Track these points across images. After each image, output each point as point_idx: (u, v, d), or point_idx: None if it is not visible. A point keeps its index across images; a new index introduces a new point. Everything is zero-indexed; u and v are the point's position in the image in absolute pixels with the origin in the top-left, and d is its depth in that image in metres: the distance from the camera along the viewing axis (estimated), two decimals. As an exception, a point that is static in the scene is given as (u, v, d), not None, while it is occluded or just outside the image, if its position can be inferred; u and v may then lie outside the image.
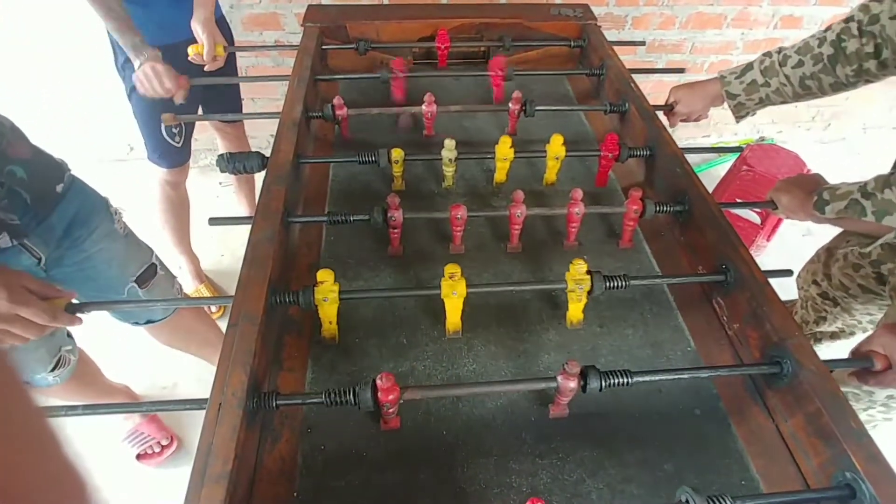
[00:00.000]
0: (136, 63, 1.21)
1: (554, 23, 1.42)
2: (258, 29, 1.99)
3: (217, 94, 1.62)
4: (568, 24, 1.42)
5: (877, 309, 1.19)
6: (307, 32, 1.34)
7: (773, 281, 0.78)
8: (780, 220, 2.00)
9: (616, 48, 1.32)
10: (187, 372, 1.62)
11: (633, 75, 1.22)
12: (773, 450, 0.71)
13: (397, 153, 0.99)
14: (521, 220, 0.92)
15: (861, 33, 0.90)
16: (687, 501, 0.58)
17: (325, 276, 0.76)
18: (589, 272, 0.80)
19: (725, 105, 1.12)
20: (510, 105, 1.14)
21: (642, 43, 1.56)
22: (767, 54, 1.04)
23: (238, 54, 1.71)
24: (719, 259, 0.84)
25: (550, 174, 1.08)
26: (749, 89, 1.06)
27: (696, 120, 1.23)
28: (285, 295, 0.77)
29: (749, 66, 1.06)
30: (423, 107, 1.11)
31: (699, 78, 2.41)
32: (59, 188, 0.96)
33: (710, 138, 2.73)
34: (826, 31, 0.95)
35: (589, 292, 0.81)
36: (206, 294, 1.90)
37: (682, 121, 1.23)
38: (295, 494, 0.67)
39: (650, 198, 0.94)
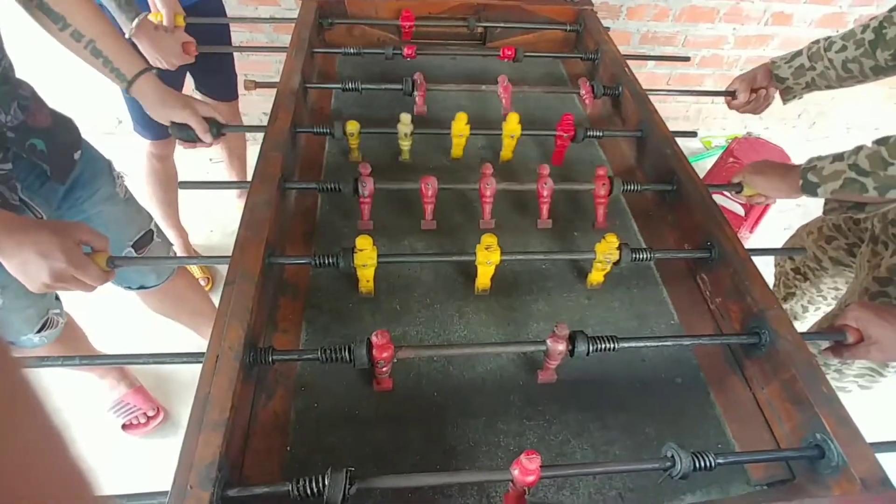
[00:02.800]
0: (127, 31, 1.16)
1: (551, 7, 1.43)
2: (254, 4, 1.97)
3: (210, 71, 1.60)
4: (565, 9, 1.43)
5: (843, 282, 1.25)
6: (305, 6, 1.33)
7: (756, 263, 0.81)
8: (763, 212, 2.05)
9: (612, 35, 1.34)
10: (177, 344, 1.62)
11: (634, 61, 1.24)
12: (748, 416, 0.74)
13: (352, 125, 1.00)
14: (492, 194, 0.94)
15: None
16: (672, 457, 0.61)
17: (364, 243, 0.77)
18: (619, 246, 0.83)
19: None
20: (500, 87, 1.15)
21: (607, 28, 1.57)
22: (816, 41, 1.09)
23: (232, 30, 1.70)
24: (705, 237, 0.87)
25: (507, 152, 1.10)
26: (797, 73, 1.10)
27: (766, 99, 1.24)
28: (325, 258, 0.78)
29: (798, 52, 1.11)
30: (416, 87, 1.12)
31: (690, 71, 2.44)
32: (76, 155, 0.96)
33: (699, 132, 2.78)
34: (871, 20, 1.00)
35: (616, 263, 0.84)
36: (196, 270, 1.89)
37: (752, 103, 1.24)
38: (288, 448, 0.69)
39: (640, 178, 0.97)
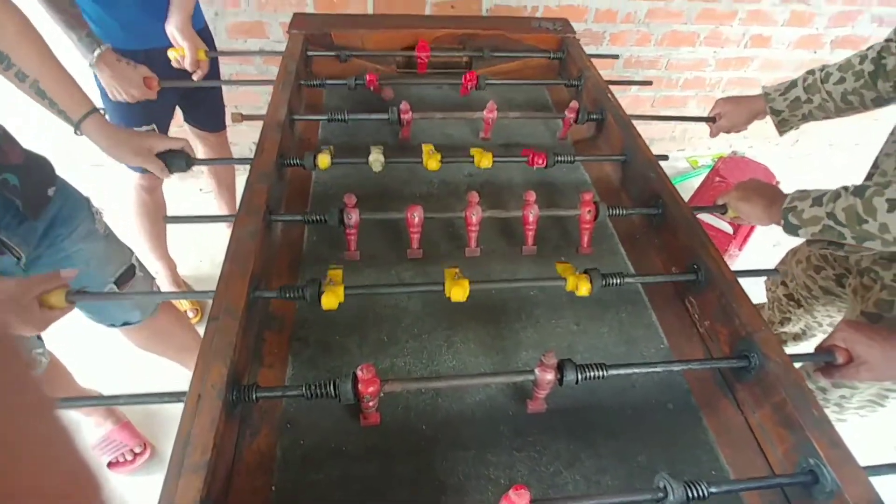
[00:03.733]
0: (88, 61, 1.16)
1: (534, 35, 1.46)
2: (243, 37, 2.00)
3: (198, 102, 1.62)
4: (548, 37, 1.46)
5: (836, 311, 1.24)
6: (292, 39, 1.35)
7: (743, 285, 0.81)
8: (751, 230, 2.07)
9: (594, 61, 1.36)
10: (162, 379, 1.59)
11: (615, 86, 1.26)
12: (741, 440, 0.73)
13: (324, 161, 1.00)
14: (478, 222, 0.94)
15: None
16: (664, 487, 0.60)
17: (328, 301, 0.77)
18: (586, 272, 0.83)
19: (768, 119, 1.17)
20: (485, 113, 1.17)
21: (616, 56, 1.62)
22: (811, 72, 1.09)
23: (221, 63, 1.72)
24: (691, 259, 0.87)
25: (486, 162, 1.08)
26: (793, 105, 1.11)
27: (737, 132, 1.27)
28: (292, 291, 0.77)
29: (793, 84, 1.11)
30: (401, 114, 1.13)
31: (674, 93, 2.49)
32: (50, 192, 0.96)
33: (684, 151, 2.82)
34: (867, 49, 1.01)
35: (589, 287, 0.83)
36: (185, 301, 1.87)
37: (724, 132, 1.27)
38: (273, 488, 0.67)
39: (625, 202, 0.97)
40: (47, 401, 0.25)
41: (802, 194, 0.86)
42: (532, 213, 0.95)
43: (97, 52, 1.15)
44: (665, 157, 1.07)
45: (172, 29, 1.27)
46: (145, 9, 1.29)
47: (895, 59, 0.96)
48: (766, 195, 0.94)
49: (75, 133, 0.93)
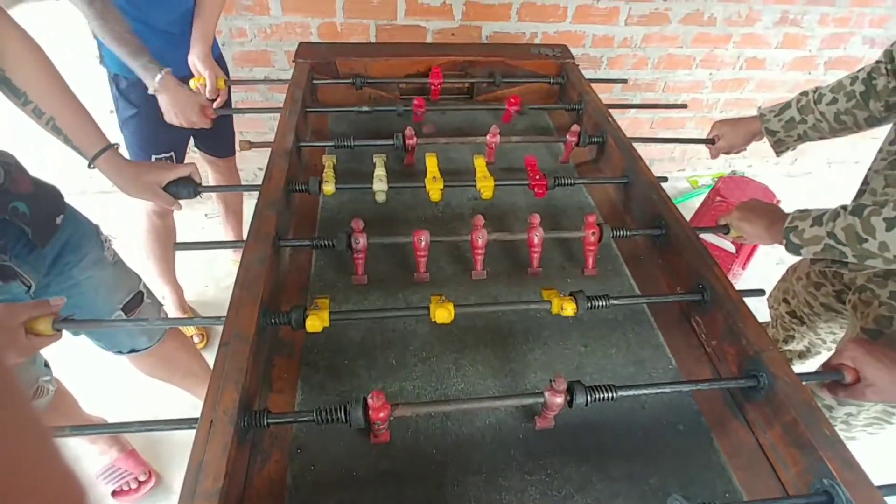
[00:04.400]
0: (151, 86, 1.21)
1: (534, 61, 1.49)
2: (248, 65, 2.05)
3: (212, 129, 1.65)
4: (547, 63, 1.49)
5: (839, 327, 1.24)
6: (298, 67, 1.39)
7: (748, 303, 0.82)
8: (754, 249, 2.07)
9: (594, 86, 1.39)
10: (170, 406, 1.59)
11: (616, 109, 1.29)
12: (754, 462, 0.73)
13: (328, 189, 1.03)
14: (484, 246, 0.95)
15: (888, 72, 0.98)
16: None
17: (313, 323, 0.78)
18: (572, 294, 0.83)
19: (765, 140, 1.19)
20: (488, 137, 1.19)
21: (624, 81, 1.65)
22: (804, 93, 1.11)
23: (231, 90, 1.76)
24: (696, 279, 0.88)
25: (487, 192, 1.10)
26: (787, 126, 1.13)
27: (737, 153, 1.29)
28: (277, 317, 0.78)
29: (787, 105, 1.13)
30: (406, 140, 1.15)
31: (672, 115, 2.53)
32: (58, 220, 0.97)
33: (684, 172, 2.85)
34: (858, 71, 1.04)
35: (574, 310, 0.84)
36: (190, 327, 1.88)
37: (723, 153, 1.29)
38: (284, 515, 0.67)
39: (629, 223, 0.98)
40: (34, 418, 0.25)
41: (803, 214, 0.87)
42: (537, 236, 0.96)
43: (159, 77, 1.20)
44: (664, 179, 1.09)
45: (194, 59, 1.32)
46: (168, 40, 1.34)
47: (885, 79, 0.98)
48: (767, 215, 0.95)
49: (89, 167, 0.95)
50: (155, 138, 1.43)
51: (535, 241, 0.96)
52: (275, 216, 0.90)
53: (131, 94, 1.36)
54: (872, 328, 0.97)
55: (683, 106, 1.55)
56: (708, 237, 2.11)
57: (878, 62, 1.01)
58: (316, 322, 0.77)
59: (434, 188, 1.05)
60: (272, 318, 0.78)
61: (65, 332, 0.79)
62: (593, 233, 0.97)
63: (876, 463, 0.81)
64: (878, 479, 0.62)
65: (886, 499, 0.61)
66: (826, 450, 0.63)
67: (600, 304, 0.84)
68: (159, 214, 1.65)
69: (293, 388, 0.80)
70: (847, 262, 0.96)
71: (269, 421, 0.67)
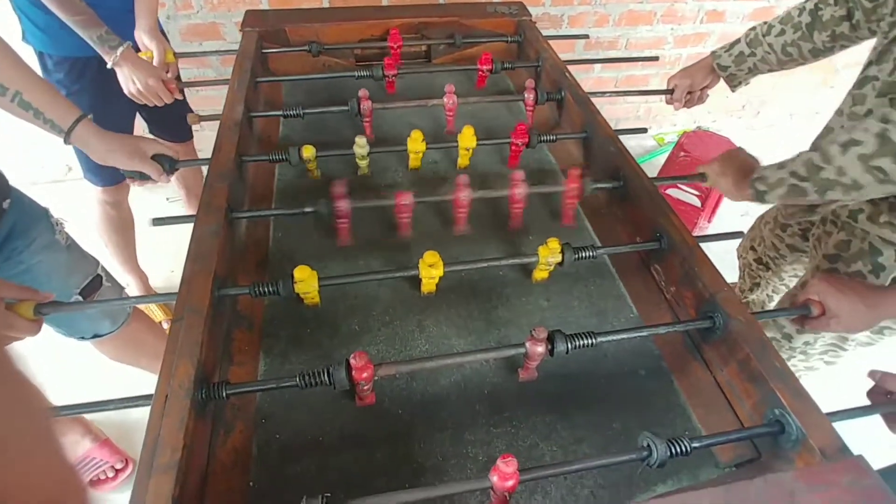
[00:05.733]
0: (111, 59, 1.16)
1: (490, 20, 1.46)
2: (197, 39, 1.96)
3: (164, 111, 1.58)
4: (504, 21, 1.46)
5: (803, 268, 1.28)
6: (246, 37, 1.33)
7: (712, 257, 0.82)
8: (718, 202, 2.11)
9: (556, 47, 1.36)
10: (139, 390, 1.56)
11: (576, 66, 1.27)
12: (712, 399, 0.75)
13: (308, 151, 1.00)
14: (467, 204, 0.94)
15: (836, 1, 0.97)
16: (648, 445, 0.61)
17: (301, 273, 0.76)
18: (561, 247, 0.84)
19: (731, 95, 1.20)
20: (445, 99, 1.16)
21: (586, 36, 1.62)
22: (753, 28, 1.12)
23: (179, 66, 1.68)
24: (654, 228, 0.89)
25: (464, 160, 1.12)
26: (738, 60, 1.14)
27: (700, 98, 1.28)
28: (266, 286, 0.77)
29: (737, 41, 1.15)
30: (360, 102, 1.12)
31: (634, 73, 2.52)
32: (4, 204, 0.92)
33: (651, 130, 2.86)
34: (806, 2, 1.03)
35: (559, 264, 0.84)
36: (157, 311, 1.84)
37: (686, 101, 1.28)
38: (251, 484, 0.66)
39: (588, 177, 0.98)
40: (41, 404, 0.24)
41: (767, 166, 0.89)
42: (519, 194, 0.95)
43: (121, 49, 1.15)
44: (644, 130, 1.08)
45: (140, 33, 1.27)
46: (112, 15, 1.25)
47: (831, 9, 0.99)
48: (738, 171, 0.94)
49: (65, 142, 0.89)
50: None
51: (519, 198, 0.96)
52: (226, 187, 0.88)
53: (59, 73, 1.28)
54: (832, 253, 1.00)
55: (655, 58, 1.54)
56: (673, 193, 2.14)
57: None
58: (312, 292, 0.77)
59: (415, 157, 1.05)
60: (258, 287, 0.77)
61: None
62: (575, 185, 0.97)
63: (832, 396, 0.84)
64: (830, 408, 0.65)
65: (837, 425, 0.63)
66: (776, 381, 0.65)
67: (588, 254, 0.85)
68: (112, 204, 1.59)
69: (255, 361, 0.79)
70: (816, 208, 0.97)
71: (229, 392, 0.66)
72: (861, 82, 0.92)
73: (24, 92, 0.84)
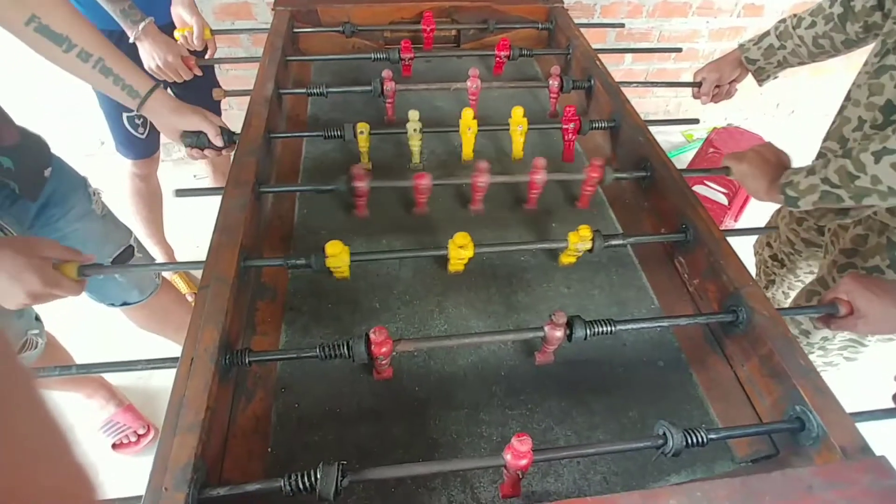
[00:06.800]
0: (133, 34, 1.18)
1: (522, 6, 1.44)
2: (229, 18, 1.98)
3: (195, 89, 1.60)
4: (535, 8, 1.44)
5: (818, 265, 1.25)
6: (278, 15, 1.34)
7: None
8: (746, 201, 2.07)
9: (587, 36, 1.34)
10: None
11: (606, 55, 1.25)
12: (731, 394, 0.74)
13: (363, 125, 1.00)
14: (484, 188, 0.94)
15: None
16: (664, 434, 0.61)
17: (333, 248, 0.76)
18: (592, 234, 0.83)
19: (762, 90, 1.17)
20: (468, 83, 1.15)
21: (621, 25, 1.59)
22: (782, 20, 1.10)
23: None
24: (680, 220, 0.87)
25: (517, 149, 1.10)
26: (767, 53, 1.12)
27: (728, 93, 1.26)
28: (299, 259, 0.77)
29: (766, 33, 1.12)
30: (384, 83, 1.12)
31: (667, 66, 2.47)
32: (46, 172, 0.95)
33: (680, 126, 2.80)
34: None
35: (589, 251, 0.84)
36: (182, 284, 1.88)
37: (714, 95, 1.25)
38: (269, 450, 0.68)
39: (614, 166, 0.97)
40: (40, 400, 0.25)
41: (797, 169, 0.86)
42: (539, 181, 0.95)
43: (142, 24, 1.18)
44: (696, 121, 1.05)
45: (179, 9, 1.29)
46: None
47: (863, 0, 0.96)
48: (768, 172, 0.91)
49: (138, 110, 0.91)
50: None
51: (538, 184, 0.95)
52: (254, 162, 0.89)
53: None
54: (849, 248, 0.98)
55: (678, 50, 1.51)
56: (700, 190, 2.10)
57: None
58: (343, 267, 0.77)
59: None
60: (292, 261, 0.77)
61: None
62: (595, 174, 0.95)
63: (858, 395, 0.82)
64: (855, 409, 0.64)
65: (860, 425, 0.62)
66: (799, 378, 0.64)
67: (618, 243, 0.84)
68: (142, 177, 1.64)
69: (276, 332, 0.81)
70: (848, 211, 0.95)
71: (251, 359, 0.67)
72: (878, 71, 0.88)
73: (107, 59, 0.85)
